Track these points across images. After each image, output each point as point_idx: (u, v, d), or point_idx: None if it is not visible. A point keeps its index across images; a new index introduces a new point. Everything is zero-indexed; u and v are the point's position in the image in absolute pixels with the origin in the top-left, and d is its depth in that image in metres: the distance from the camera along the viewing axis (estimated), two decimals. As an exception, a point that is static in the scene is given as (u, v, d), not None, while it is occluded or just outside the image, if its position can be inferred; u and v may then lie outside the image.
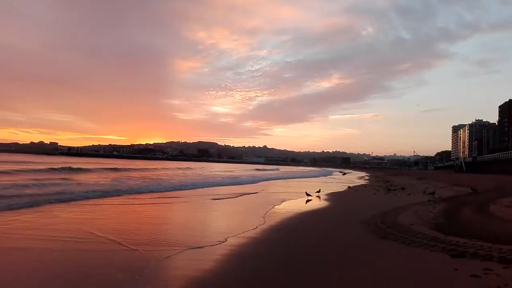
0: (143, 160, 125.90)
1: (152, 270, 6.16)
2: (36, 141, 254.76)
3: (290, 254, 7.60)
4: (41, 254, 6.95)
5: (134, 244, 7.64)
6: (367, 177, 60.47)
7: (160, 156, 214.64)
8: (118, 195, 17.11)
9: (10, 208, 11.60)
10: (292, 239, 9.28)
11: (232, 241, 8.36)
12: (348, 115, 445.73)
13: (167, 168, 53.15)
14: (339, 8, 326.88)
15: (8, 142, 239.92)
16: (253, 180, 34.57)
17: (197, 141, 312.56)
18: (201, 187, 24.51)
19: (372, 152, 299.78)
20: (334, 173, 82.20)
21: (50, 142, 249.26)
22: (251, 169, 68.64)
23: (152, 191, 19.71)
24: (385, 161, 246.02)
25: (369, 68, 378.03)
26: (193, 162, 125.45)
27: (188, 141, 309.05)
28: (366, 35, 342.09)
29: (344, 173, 57.95)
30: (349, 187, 31.14)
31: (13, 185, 17.65)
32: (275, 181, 37.88)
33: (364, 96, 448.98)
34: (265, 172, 59.37)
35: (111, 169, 41.36)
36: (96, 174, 33.29)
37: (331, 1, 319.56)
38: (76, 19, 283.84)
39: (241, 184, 29.25)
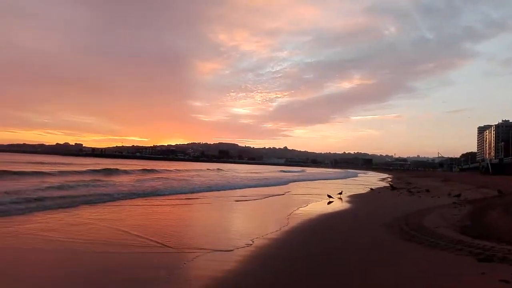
0: (165, 161, 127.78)
1: (180, 270, 6.25)
2: (61, 143, 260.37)
3: (311, 256, 7.54)
4: (69, 253, 7.13)
5: (164, 246, 7.76)
6: (389, 179, 59.51)
7: (182, 157, 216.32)
8: (152, 196, 17.75)
9: (44, 208, 11.97)
10: (314, 240, 9.22)
11: (256, 243, 8.36)
12: (370, 116, 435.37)
13: (199, 170, 54.17)
14: (360, 8, 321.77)
15: (34, 143, 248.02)
16: (279, 182, 34.36)
17: (217, 142, 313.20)
18: (231, 189, 24.83)
19: (395, 154, 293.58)
20: (359, 174, 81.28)
21: (75, 143, 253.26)
22: (277, 171, 68.62)
23: (185, 192, 20.31)
24: (409, 163, 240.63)
25: (392, 68, 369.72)
26: (222, 164, 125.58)
27: (209, 142, 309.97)
28: (388, 35, 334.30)
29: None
30: (371, 189, 30.68)
31: (56, 186, 18.24)
32: (300, 182, 37.62)
33: (386, 97, 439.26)
34: (290, 173, 59.39)
35: (147, 170, 42.62)
36: (133, 175, 34.56)
37: (352, 1, 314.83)
38: (100, 22, 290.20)
39: (268, 186, 29.32)
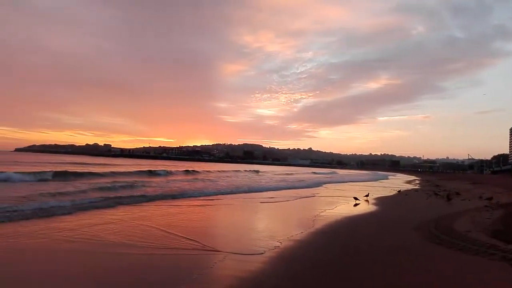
0: (192, 162, 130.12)
1: (210, 269, 6.35)
2: (91, 143, 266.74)
3: (335, 258, 7.45)
4: (102, 252, 7.33)
5: (197, 248, 7.90)
6: (418, 181, 58.05)
7: (207, 158, 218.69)
8: (193, 197, 18.46)
9: (86, 208, 12.47)
10: (339, 243, 9.07)
11: (280, 244, 8.35)
12: (397, 117, 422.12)
13: (237, 170, 55.87)
14: (387, 7, 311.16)
15: (65, 144, 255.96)
16: (312, 184, 34.22)
17: (242, 143, 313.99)
18: (267, 190, 25.15)
19: (423, 155, 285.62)
20: (389, 177, 79.66)
21: (104, 144, 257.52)
22: (309, 172, 68.38)
23: (223, 193, 21.22)
24: (437, 165, 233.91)
25: (420, 68, 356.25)
26: (260, 165, 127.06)
27: (233, 143, 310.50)
28: (416, 34, 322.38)
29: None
30: (399, 191, 30.14)
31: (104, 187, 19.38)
32: (331, 184, 37.29)
33: (414, 97, 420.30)
34: (322, 175, 59.47)
35: (188, 171, 44.03)
36: (177, 176, 36.09)
37: (379, 0, 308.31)
38: (129, 26, 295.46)
39: (302, 188, 29.32)
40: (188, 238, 8.59)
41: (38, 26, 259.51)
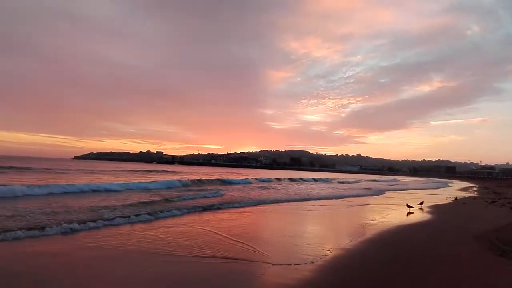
0: (239, 168, 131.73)
1: (261, 277, 6.41)
2: (144, 151, 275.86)
3: (383, 268, 7.16)
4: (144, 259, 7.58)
5: (246, 255, 8.06)
6: (475, 189, 54.58)
7: (254, 164, 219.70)
8: (254, 205, 18.70)
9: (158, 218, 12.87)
10: (389, 252, 8.70)
11: (329, 253, 8.22)
12: (452, 121, 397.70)
13: (304, 178, 56.22)
14: (439, 7, 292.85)
15: (120, 151, 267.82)
16: (373, 193, 33.43)
17: (289, 149, 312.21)
18: (335, 198, 25.18)
19: (481, 161, 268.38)
20: (449, 184, 75.17)
21: (156, 151, 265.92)
22: (368, 180, 66.79)
23: (289, 201, 21.70)
24: (497, 171, 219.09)
25: (476, 69, 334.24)
26: (307, 172, 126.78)
27: (280, 150, 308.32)
28: (471, 34, 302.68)
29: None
30: (455, 199, 28.64)
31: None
32: (393, 192, 36.14)
33: (470, 100, 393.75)
34: (383, 183, 57.99)
35: (263, 179, 45.34)
36: (254, 184, 37.46)
37: (430, 1, 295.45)
38: (179, 36, 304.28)
39: (365, 196, 28.76)
40: (243, 243, 8.85)
41: (95, 39, 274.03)
